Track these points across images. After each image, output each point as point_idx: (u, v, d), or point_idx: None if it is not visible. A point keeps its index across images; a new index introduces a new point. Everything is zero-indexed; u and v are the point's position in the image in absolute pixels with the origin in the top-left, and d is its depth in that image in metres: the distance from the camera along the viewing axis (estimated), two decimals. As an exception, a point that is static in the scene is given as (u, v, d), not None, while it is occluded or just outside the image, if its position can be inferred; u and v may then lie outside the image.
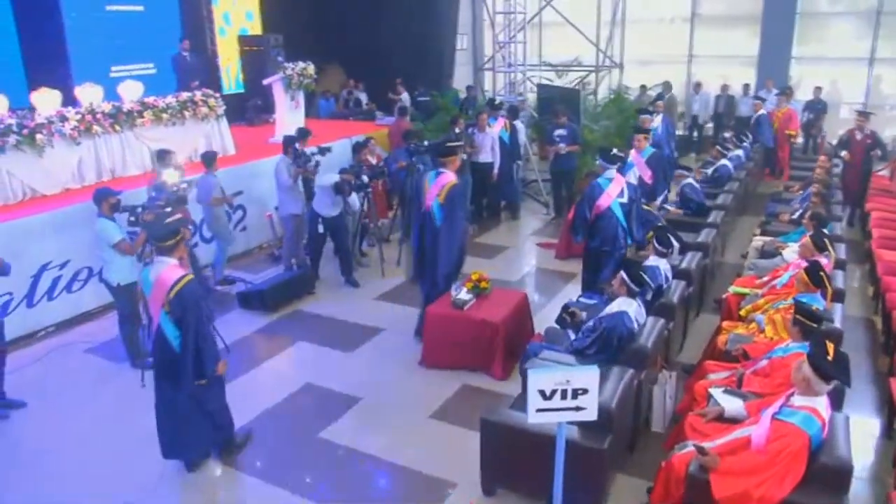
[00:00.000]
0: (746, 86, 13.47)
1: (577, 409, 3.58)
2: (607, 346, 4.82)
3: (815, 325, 4.47)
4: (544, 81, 13.41)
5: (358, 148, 8.33)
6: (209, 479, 4.72)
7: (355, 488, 4.58)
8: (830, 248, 5.99)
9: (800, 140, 12.85)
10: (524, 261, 8.80)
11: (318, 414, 5.36)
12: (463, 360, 5.84)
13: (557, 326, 5.55)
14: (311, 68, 10.20)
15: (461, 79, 15.37)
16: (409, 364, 6.05)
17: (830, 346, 3.72)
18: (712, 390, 4.50)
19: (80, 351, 6.52)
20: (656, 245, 5.82)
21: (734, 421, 4.13)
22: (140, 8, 11.66)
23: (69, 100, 8.08)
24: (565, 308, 5.53)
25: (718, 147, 10.23)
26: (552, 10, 13.01)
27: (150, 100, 8.38)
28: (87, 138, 7.72)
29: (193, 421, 4.58)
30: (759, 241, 7.50)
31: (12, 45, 10.57)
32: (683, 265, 6.30)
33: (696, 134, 14.16)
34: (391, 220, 9.38)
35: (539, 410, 3.59)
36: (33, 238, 6.70)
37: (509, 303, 6.01)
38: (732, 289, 6.17)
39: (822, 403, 3.70)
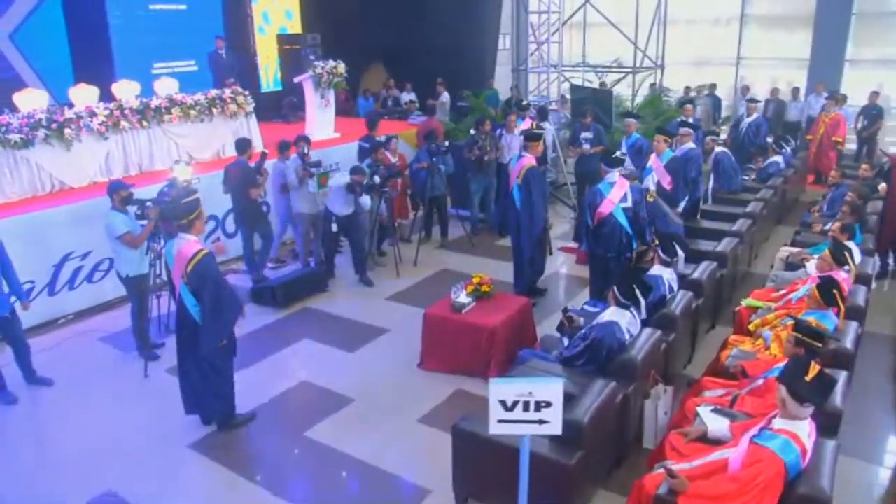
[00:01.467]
0: (796, 89, 12.89)
1: (541, 422, 3.49)
2: (595, 357, 4.68)
3: (818, 345, 4.22)
4: (586, 83, 13.18)
5: (375, 147, 8.30)
6: (187, 467, 4.80)
7: (327, 489, 4.57)
8: (851, 262, 5.65)
9: (853, 147, 12.23)
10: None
11: (307, 412, 5.38)
12: (459, 365, 5.76)
13: (557, 334, 5.42)
14: (341, 67, 10.26)
15: (503, 79, 15.23)
16: (408, 366, 6.02)
17: (813, 367, 3.50)
18: (700, 408, 4.30)
19: (95, 339, 6.73)
20: (660, 254, 5.61)
21: (717, 442, 3.93)
22: (183, 7, 11.98)
23: (107, 96, 8.38)
24: (564, 312, 5.40)
25: (773, 146, 10.00)
26: (593, 11, 12.71)
27: (179, 97, 8.57)
28: (114, 133, 7.95)
29: (210, 383, 4.97)
30: (785, 251, 7.15)
31: (62, 43, 11.04)
32: (695, 275, 6.05)
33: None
34: (412, 221, 9.35)
35: (501, 421, 3.51)
36: (58, 228, 6.95)
37: (509, 308, 5.89)
38: (745, 301, 5.89)
39: (803, 428, 3.48)
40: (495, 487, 4.07)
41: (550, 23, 11.07)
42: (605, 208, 6.24)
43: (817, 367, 3.52)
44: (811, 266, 6.30)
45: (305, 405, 5.51)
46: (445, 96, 14.13)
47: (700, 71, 14.27)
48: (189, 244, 4.79)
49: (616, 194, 6.23)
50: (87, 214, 7.09)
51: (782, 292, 5.90)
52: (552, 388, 3.44)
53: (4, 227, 6.34)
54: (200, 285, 4.73)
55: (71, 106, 7.87)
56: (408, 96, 14.71)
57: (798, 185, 10.81)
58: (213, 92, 9.00)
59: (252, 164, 7.61)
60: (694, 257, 6.63)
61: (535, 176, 6.83)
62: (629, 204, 6.25)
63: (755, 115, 10.97)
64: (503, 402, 3.49)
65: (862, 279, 5.99)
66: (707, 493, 3.43)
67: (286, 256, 8.82)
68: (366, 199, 7.94)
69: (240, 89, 9.36)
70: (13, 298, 5.68)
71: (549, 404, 3.46)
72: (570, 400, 4.12)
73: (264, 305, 7.32)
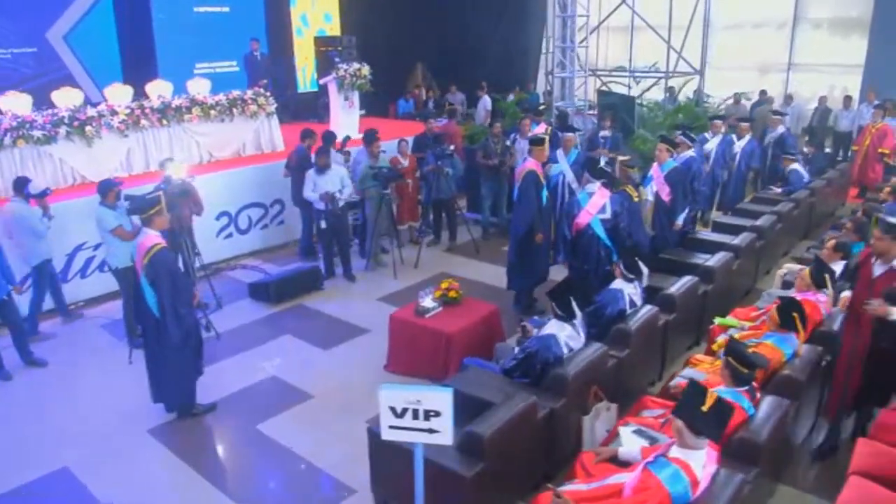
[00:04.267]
0: (848, 98, 12.17)
1: (431, 431, 3.52)
2: (530, 370, 4.63)
3: (744, 371, 4.04)
4: (628, 88, 12.90)
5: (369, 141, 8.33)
6: (141, 451, 5.06)
7: (259, 481, 4.75)
8: (831, 285, 5.34)
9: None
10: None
11: (266, 406, 5.56)
12: (421, 369, 5.80)
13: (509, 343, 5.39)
14: (365, 69, 10.45)
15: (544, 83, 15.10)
16: (376, 368, 6.10)
17: (711, 396, 3.36)
18: (621, 428, 4.21)
19: (97, 326, 7.15)
20: (623, 270, 5.46)
21: (627, 464, 3.83)
22: (226, 9, 12.48)
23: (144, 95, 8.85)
24: (520, 322, 5.36)
25: (787, 155, 9.52)
26: (629, 15, 12.42)
27: (200, 97, 8.96)
28: (135, 131, 8.39)
29: (171, 372, 5.27)
30: (786, 268, 6.81)
31: (111, 43, 11.72)
32: (671, 290, 5.87)
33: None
34: (420, 223, 9.42)
35: (392, 427, 3.56)
36: (73, 219, 7.39)
37: (474, 314, 5.89)
38: (718, 319, 5.67)
39: (698, 458, 3.36)
40: (409, 493, 4.10)
41: (576, 27, 10.88)
42: (582, 219, 6.14)
43: (714, 396, 3.38)
44: (800, 286, 6.01)
45: (266, 399, 5.69)
46: (486, 100, 14.16)
47: (747, 77, 13.67)
48: (148, 237, 5.10)
49: (594, 205, 6.12)
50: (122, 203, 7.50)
51: (760, 311, 5.65)
52: (440, 398, 3.47)
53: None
54: (156, 277, 5.03)
55: (99, 105, 8.38)
56: (454, 99, 14.80)
57: (835, 198, 10.23)
58: (236, 92, 9.34)
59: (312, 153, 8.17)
60: (680, 271, 6.44)
61: (529, 181, 6.73)
62: (608, 216, 6.12)
63: (779, 129, 10.26)
64: (393, 409, 3.55)
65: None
66: (588, 516, 3.36)
67: (298, 253, 9.08)
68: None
69: (262, 90, 9.66)
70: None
71: (437, 414, 3.49)
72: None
73: (260, 301, 7.58)
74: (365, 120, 11.77)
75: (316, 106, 12.66)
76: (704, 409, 3.33)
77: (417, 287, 7.86)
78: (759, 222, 7.75)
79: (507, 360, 4.83)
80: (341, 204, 7.86)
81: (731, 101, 13.17)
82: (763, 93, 13.53)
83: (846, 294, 4.98)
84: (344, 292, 7.87)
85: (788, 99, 12.78)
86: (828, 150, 12.51)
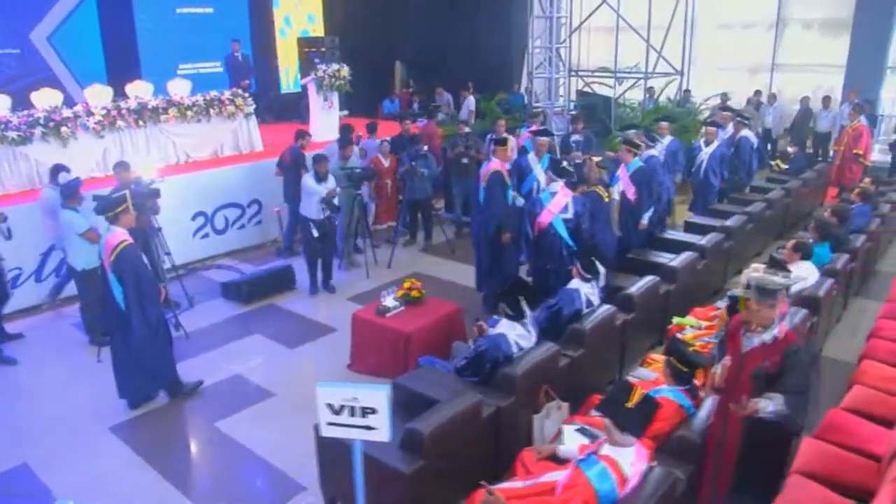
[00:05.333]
0: (826, 98, 12.20)
1: (368, 428, 3.57)
2: (480, 369, 4.68)
3: (684, 370, 4.09)
4: (606, 89, 12.94)
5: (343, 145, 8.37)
6: (101, 448, 5.12)
7: (215, 478, 4.81)
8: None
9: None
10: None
11: (227, 404, 5.62)
12: (382, 368, 5.85)
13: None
14: (344, 70, 10.51)
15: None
16: (339, 367, 6.16)
17: (636, 393, 3.42)
18: (565, 427, 4.28)
19: (70, 324, 7.20)
20: (580, 270, 5.51)
21: (566, 462, 3.88)
22: (210, 10, 12.54)
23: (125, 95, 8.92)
24: (476, 322, 5.40)
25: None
26: (612, 17, 12.45)
27: (177, 98, 9.02)
28: (111, 132, 8.45)
29: (136, 369, 5.47)
30: (753, 268, 6.83)
31: (96, 44, 11.77)
32: (631, 290, 5.92)
33: (768, 147, 13.04)
34: (396, 223, 9.47)
35: (331, 424, 3.62)
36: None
37: (435, 314, 5.95)
38: (676, 319, 5.72)
39: (627, 456, 3.41)
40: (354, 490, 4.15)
41: (555, 27, 10.91)
42: (544, 218, 6.19)
43: (640, 393, 3.44)
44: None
45: (228, 397, 5.75)
46: (471, 100, 14.20)
47: (734, 77, 13.70)
48: (115, 235, 5.24)
49: (556, 205, 6.17)
50: (84, 205, 7.56)
51: (719, 311, 5.69)
52: (376, 396, 3.51)
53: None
54: (122, 272, 5.19)
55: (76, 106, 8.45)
56: (441, 99, 14.85)
57: (812, 198, 10.28)
58: (213, 93, 9.40)
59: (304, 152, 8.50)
60: (645, 270, 6.48)
61: (494, 181, 6.80)
62: (570, 215, 6.17)
63: (742, 133, 9.44)
64: (331, 406, 3.60)
65: (810, 302, 5.70)
66: (517, 513, 3.41)
67: (274, 253, 9.16)
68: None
69: (240, 91, 9.72)
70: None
71: (374, 411, 3.54)
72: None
73: (232, 300, 7.64)
74: (348, 121, 11.83)
75: (299, 107, 12.72)
76: (629, 405, 3.39)
77: (388, 287, 7.96)
78: (728, 222, 7.80)
79: (459, 360, 4.88)
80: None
81: (717, 102, 13.21)
82: (758, 93, 13.49)
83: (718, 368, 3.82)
84: (316, 293, 7.91)
85: (771, 98, 12.80)
86: (808, 150, 12.57)
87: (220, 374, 6.10)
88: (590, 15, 12.54)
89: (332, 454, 4.24)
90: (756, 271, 6.62)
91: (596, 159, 6.97)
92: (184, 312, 7.20)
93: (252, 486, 4.72)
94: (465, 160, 8.97)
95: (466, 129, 9.19)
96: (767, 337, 3.56)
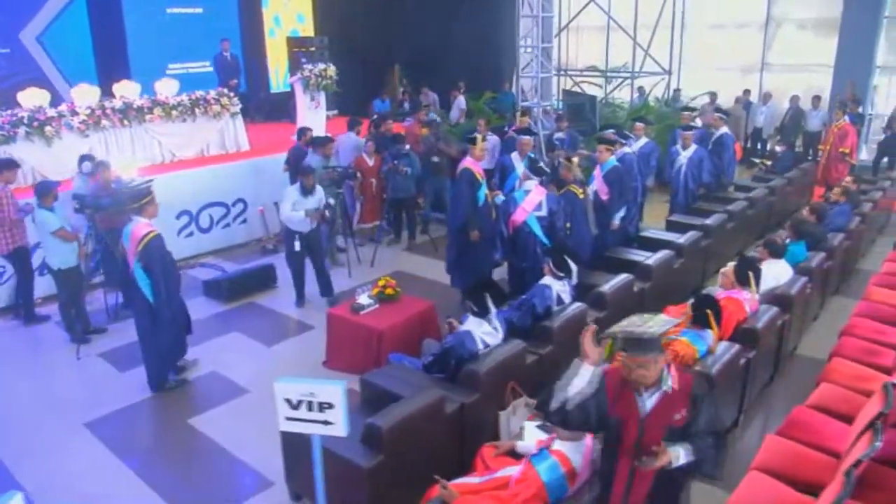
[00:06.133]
0: (816, 98, 12.21)
1: (326, 423, 3.62)
2: (446, 366, 4.72)
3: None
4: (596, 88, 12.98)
5: (323, 143, 8.39)
6: (74, 443, 5.16)
7: (184, 473, 4.85)
8: (754, 284, 5.41)
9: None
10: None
11: (201, 401, 5.67)
12: (356, 365, 5.86)
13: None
14: (331, 69, 10.55)
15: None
16: (314, 364, 6.20)
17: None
18: (526, 423, 4.29)
19: (52, 322, 7.24)
20: (552, 268, 5.54)
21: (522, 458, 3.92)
22: (199, 10, 12.59)
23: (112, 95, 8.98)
24: (447, 318, 5.45)
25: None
26: (602, 16, 12.48)
27: (162, 97, 9.07)
28: (96, 131, 8.50)
29: (161, 355, 5.73)
30: (729, 266, 6.87)
31: (86, 44, 11.84)
32: (605, 288, 5.95)
33: (759, 146, 13.06)
34: (382, 222, 9.51)
35: (289, 419, 3.67)
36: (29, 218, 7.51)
37: (409, 311, 5.98)
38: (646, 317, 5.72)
39: (577, 450, 3.45)
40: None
41: (541, 27, 10.92)
42: (518, 216, 6.23)
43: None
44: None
45: (203, 394, 5.80)
46: (461, 100, 14.23)
47: (727, 77, 13.71)
48: (140, 226, 5.41)
49: (530, 203, 6.21)
50: (59, 205, 7.63)
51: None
52: (332, 391, 3.58)
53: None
54: (150, 262, 5.36)
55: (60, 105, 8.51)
56: (426, 99, 14.87)
57: (797, 197, 10.29)
58: (198, 93, 9.45)
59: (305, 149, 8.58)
60: (624, 269, 6.51)
61: (465, 179, 6.80)
62: (544, 213, 6.20)
63: (722, 129, 9.37)
64: (289, 401, 3.67)
65: (782, 300, 5.72)
66: (469, 507, 3.45)
67: (258, 251, 9.20)
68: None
69: (225, 91, 9.77)
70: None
71: (331, 406, 3.60)
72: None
73: (213, 298, 7.68)
74: (338, 120, 11.90)
75: (288, 106, 12.76)
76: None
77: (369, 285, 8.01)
78: (708, 221, 7.83)
79: (427, 356, 4.92)
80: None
81: (706, 101, 13.23)
82: (747, 92, 13.50)
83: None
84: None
85: (766, 97, 12.81)
86: (799, 149, 12.59)
87: (197, 371, 6.15)
88: (577, 14, 12.57)
89: (296, 449, 4.28)
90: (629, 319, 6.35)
91: (575, 159, 6.99)
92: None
93: (220, 482, 4.75)
94: (435, 158, 9.01)
95: (431, 117, 9.18)
96: (665, 387, 2.97)
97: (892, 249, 7.94)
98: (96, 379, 6.09)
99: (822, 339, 6.55)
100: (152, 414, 5.57)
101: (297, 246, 7.15)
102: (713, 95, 13.21)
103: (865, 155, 12.27)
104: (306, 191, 7.09)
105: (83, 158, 7.25)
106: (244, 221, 9.47)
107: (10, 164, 6.92)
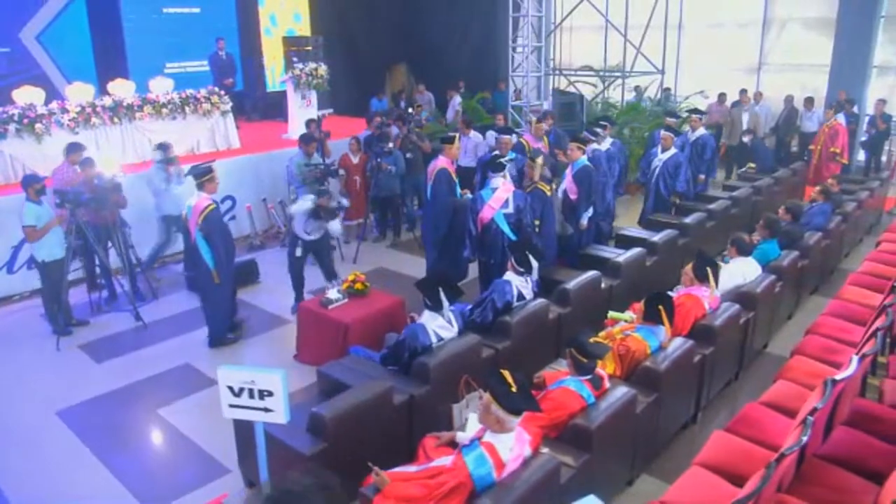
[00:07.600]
0: (809, 99, 12.10)
1: (266, 410, 3.72)
2: (399, 358, 4.80)
3: (583, 360, 4.18)
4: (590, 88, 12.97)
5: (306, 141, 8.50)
6: (45, 432, 5.30)
7: (148, 460, 5.03)
8: (712, 281, 5.43)
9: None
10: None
11: (171, 391, 5.81)
12: (323, 358, 5.89)
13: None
14: (322, 69, 10.67)
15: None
16: (286, 357, 6.31)
17: (507, 375, 3.53)
18: (471, 415, 4.34)
19: (37, 315, 7.42)
20: (513, 263, 5.61)
21: (464, 448, 3.98)
22: (196, 10, 12.77)
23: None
24: (408, 313, 5.53)
25: None
26: (595, 15, 12.48)
27: (152, 95, 9.23)
28: (86, 129, 8.67)
29: (222, 317, 6.54)
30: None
31: (85, 43, 12.05)
32: (570, 285, 6.00)
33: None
34: (366, 219, 9.61)
35: (232, 406, 3.78)
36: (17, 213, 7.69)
37: (376, 306, 6.07)
38: (611, 313, 5.77)
39: (505, 441, 3.51)
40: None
41: (539, 26, 10.99)
42: (486, 214, 6.29)
43: (510, 375, 3.55)
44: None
45: (173, 385, 5.93)
46: (457, 100, 14.31)
47: (723, 76, 13.65)
48: (201, 200, 6.10)
49: (497, 200, 6.27)
50: (46, 199, 7.81)
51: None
52: (272, 379, 3.68)
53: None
54: (210, 231, 6.08)
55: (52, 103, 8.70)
56: (422, 99, 14.96)
57: (787, 196, 10.20)
58: (189, 91, 9.60)
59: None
60: (591, 266, 6.55)
61: (440, 179, 6.94)
62: (510, 210, 6.26)
63: (700, 131, 9.39)
64: (231, 388, 3.77)
65: (745, 298, 5.74)
66: (398, 494, 3.52)
67: (245, 248, 9.33)
68: (335, 225, 7.10)
69: (216, 89, 9.91)
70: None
71: (270, 393, 3.70)
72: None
73: (196, 292, 7.80)
74: (333, 119, 12.01)
75: (283, 105, 12.90)
76: (514, 390, 3.50)
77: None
78: (686, 220, 7.84)
79: (384, 349, 5.00)
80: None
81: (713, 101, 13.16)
82: (743, 92, 13.42)
83: None
84: (278, 285, 8.06)
85: (757, 97, 12.75)
86: (794, 149, 12.53)
87: (170, 364, 6.28)
88: (569, 14, 12.59)
89: (246, 436, 4.39)
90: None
91: (539, 159, 7.02)
92: (147, 305, 7.41)
93: (181, 469, 4.87)
94: (408, 154, 9.09)
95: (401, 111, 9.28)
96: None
97: (874, 249, 7.91)
98: (73, 369, 6.25)
99: (795, 337, 6.54)
100: (124, 403, 5.70)
101: (300, 251, 7.09)
102: (704, 95, 13.15)
103: (863, 156, 12.15)
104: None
105: (160, 146, 7.90)
106: (233, 218, 9.57)
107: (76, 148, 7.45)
